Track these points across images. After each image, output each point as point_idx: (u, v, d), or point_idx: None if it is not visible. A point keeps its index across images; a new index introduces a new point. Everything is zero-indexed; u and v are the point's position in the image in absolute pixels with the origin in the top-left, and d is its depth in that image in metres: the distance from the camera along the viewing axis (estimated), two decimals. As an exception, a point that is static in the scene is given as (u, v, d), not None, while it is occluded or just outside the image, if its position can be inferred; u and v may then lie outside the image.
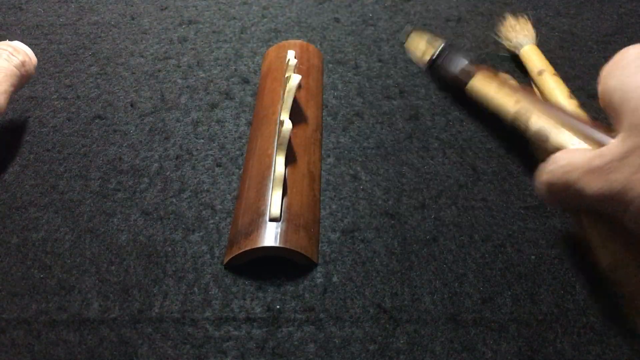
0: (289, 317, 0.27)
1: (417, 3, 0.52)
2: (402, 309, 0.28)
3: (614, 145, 0.23)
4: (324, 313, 0.27)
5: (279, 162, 0.31)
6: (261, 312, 0.27)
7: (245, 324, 0.27)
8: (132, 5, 0.53)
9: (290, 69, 0.37)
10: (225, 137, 0.38)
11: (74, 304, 0.29)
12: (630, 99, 0.23)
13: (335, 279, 0.30)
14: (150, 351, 0.27)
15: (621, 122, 0.24)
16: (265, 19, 0.50)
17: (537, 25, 0.48)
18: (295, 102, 0.36)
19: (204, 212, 0.34)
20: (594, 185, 0.23)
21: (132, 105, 0.41)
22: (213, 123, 0.39)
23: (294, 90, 0.34)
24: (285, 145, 0.32)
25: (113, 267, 0.31)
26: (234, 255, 0.29)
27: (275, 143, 0.33)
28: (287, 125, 0.32)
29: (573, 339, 0.26)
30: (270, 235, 0.29)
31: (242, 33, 0.49)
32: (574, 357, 0.25)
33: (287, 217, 0.30)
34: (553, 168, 0.26)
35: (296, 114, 0.36)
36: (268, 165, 0.32)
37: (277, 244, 0.28)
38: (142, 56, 0.46)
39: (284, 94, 0.35)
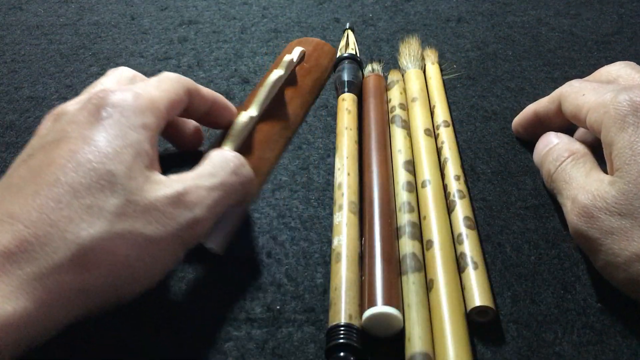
0: (289, 318, 0.27)
1: (417, 3, 0.52)
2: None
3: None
4: (324, 314, 0.27)
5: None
6: (261, 313, 0.27)
7: (245, 325, 0.27)
8: (132, 5, 0.53)
9: (283, 65, 0.37)
10: (225, 137, 0.38)
11: (74, 304, 0.29)
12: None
13: (335, 279, 0.29)
14: (150, 351, 0.27)
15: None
16: (265, 19, 0.50)
17: (537, 26, 0.48)
18: (276, 98, 0.36)
19: (204, 212, 0.33)
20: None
21: (132, 106, 0.41)
22: (213, 123, 0.39)
23: (269, 85, 0.35)
24: (239, 137, 0.32)
25: (113, 268, 0.31)
26: None
27: (229, 132, 0.33)
28: (243, 117, 0.33)
29: (573, 339, 0.26)
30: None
31: (242, 33, 0.49)
32: (573, 357, 0.25)
33: None
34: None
35: (270, 110, 0.36)
36: None
37: None
38: (142, 56, 0.46)
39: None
